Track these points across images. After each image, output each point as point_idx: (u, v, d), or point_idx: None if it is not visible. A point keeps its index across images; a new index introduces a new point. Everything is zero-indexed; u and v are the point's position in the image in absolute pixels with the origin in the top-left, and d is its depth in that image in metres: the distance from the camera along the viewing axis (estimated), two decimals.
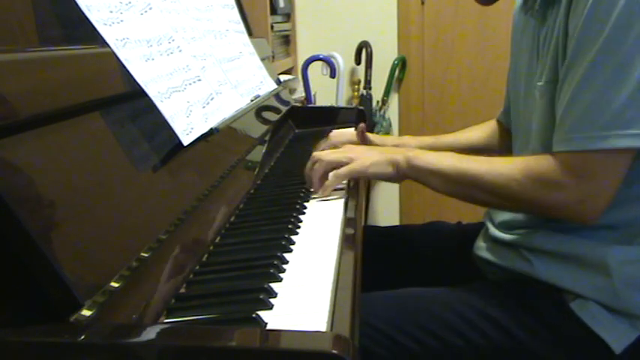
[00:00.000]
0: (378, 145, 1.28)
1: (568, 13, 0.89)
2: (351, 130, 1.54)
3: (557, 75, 0.92)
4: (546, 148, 0.93)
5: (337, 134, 1.33)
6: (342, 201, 1.04)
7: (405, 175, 1.03)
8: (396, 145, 1.31)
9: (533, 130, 1.01)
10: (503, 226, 1.05)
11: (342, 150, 1.10)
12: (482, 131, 1.34)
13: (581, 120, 0.86)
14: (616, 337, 0.91)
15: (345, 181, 1.11)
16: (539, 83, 0.97)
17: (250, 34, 1.55)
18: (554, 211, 0.92)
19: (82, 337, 0.51)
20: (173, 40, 0.96)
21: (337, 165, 1.06)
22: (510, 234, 1.03)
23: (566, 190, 0.88)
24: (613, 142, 0.84)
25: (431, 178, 1.01)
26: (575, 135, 0.86)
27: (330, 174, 1.06)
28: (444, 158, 1.01)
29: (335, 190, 1.08)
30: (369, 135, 1.34)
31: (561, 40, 0.91)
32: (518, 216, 1.03)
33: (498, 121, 1.32)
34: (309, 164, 1.10)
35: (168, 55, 0.92)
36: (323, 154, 1.09)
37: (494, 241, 1.07)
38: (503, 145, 1.28)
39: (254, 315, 0.62)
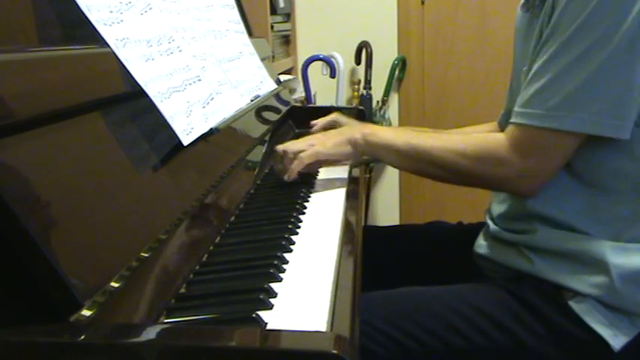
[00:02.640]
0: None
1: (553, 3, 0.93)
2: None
3: None
4: None
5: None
6: (342, 201, 1.04)
7: (362, 152, 1.08)
8: None
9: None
10: (502, 220, 1.06)
11: (303, 139, 1.15)
12: (479, 131, 1.35)
13: (535, 97, 0.91)
14: (615, 334, 0.91)
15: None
16: (525, 68, 1.00)
17: (250, 34, 1.55)
18: (497, 185, 1.02)
19: (82, 337, 0.51)
20: (173, 40, 0.96)
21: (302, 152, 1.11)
22: (510, 233, 1.03)
23: (508, 166, 0.94)
24: (560, 122, 0.89)
25: (385, 154, 1.07)
26: (526, 110, 0.92)
27: (296, 161, 1.11)
28: (399, 134, 1.07)
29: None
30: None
31: (545, 25, 0.94)
32: (513, 208, 1.04)
33: (498, 123, 1.32)
34: (278, 159, 1.14)
35: (168, 55, 0.92)
36: (286, 146, 1.13)
37: (495, 239, 1.07)
38: None
39: (254, 315, 0.62)
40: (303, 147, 1.11)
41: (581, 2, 0.87)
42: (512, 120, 0.95)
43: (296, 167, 1.10)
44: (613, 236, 0.93)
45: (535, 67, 0.92)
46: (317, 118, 1.80)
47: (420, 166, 1.04)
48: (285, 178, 1.11)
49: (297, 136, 1.64)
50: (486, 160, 0.97)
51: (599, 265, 0.92)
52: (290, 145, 1.14)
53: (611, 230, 0.93)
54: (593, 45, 0.87)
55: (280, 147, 1.15)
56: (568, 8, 0.89)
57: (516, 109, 0.94)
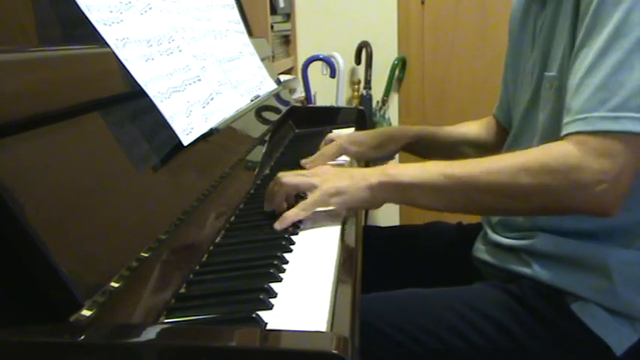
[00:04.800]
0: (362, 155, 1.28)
1: (577, 1, 0.89)
2: (350, 130, 1.54)
3: (569, 62, 0.91)
4: (553, 141, 0.90)
5: (335, 136, 1.33)
6: None
7: (383, 198, 0.91)
8: (392, 138, 1.30)
9: (540, 121, 0.99)
10: (501, 227, 1.05)
11: (307, 173, 0.96)
12: (479, 126, 1.34)
13: (592, 100, 0.83)
14: (617, 338, 0.91)
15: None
16: (551, 73, 0.95)
17: (250, 34, 1.55)
18: (572, 196, 0.84)
19: (82, 337, 0.51)
20: (173, 40, 0.96)
21: (298, 190, 0.95)
22: (509, 238, 1.03)
23: (585, 171, 0.82)
24: (625, 124, 0.81)
25: (419, 194, 0.90)
26: (586, 115, 0.83)
27: (293, 209, 0.91)
28: (430, 167, 0.90)
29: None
30: (360, 133, 1.34)
31: (569, 27, 0.91)
32: (513, 217, 1.02)
33: (494, 117, 1.32)
34: (270, 185, 0.97)
35: (168, 55, 0.92)
36: (284, 176, 0.95)
37: (493, 244, 1.06)
38: (497, 141, 1.28)
39: (254, 315, 0.62)
40: (303, 184, 0.93)
41: None
42: (572, 129, 0.84)
43: (292, 217, 0.91)
44: (614, 242, 0.92)
45: (584, 68, 0.85)
46: (317, 118, 1.79)
47: (467, 198, 0.89)
48: (277, 225, 0.89)
49: (297, 137, 1.64)
50: (558, 169, 0.83)
51: (601, 270, 0.91)
52: (286, 178, 0.94)
53: (612, 236, 0.92)
54: None
55: (278, 176, 0.95)
56: (605, 3, 0.83)
57: (573, 117, 0.85)
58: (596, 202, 0.84)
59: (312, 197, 0.91)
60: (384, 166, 0.94)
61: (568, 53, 0.91)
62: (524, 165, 0.85)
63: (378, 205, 0.93)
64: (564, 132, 0.86)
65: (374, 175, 0.91)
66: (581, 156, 0.82)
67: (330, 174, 0.94)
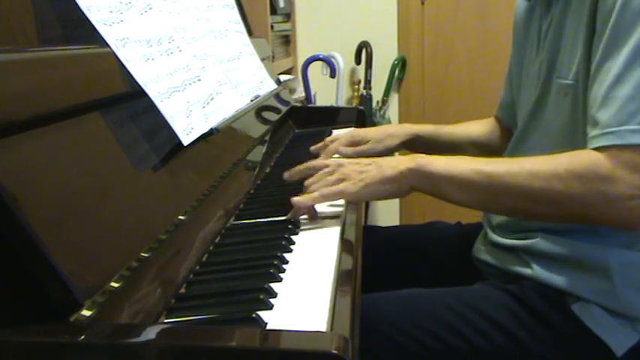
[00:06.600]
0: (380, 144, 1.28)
1: (595, 8, 0.88)
2: (349, 130, 1.54)
3: (587, 72, 0.90)
4: (567, 147, 0.90)
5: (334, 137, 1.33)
6: (342, 201, 1.04)
7: (411, 186, 0.91)
8: (391, 134, 1.30)
9: (555, 126, 0.98)
10: (501, 228, 1.05)
11: (337, 165, 0.98)
12: (482, 126, 1.34)
13: (621, 113, 0.82)
14: (617, 339, 0.91)
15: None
16: (565, 81, 0.95)
17: (250, 34, 1.55)
18: (602, 208, 0.83)
19: (82, 337, 0.51)
20: (173, 40, 0.96)
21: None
22: (509, 238, 1.02)
23: (617, 184, 0.81)
24: None
25: (448, 187, 0.89)
26: (617, 128, 0.82)
27: (316, 192, 0.93)
28: (461, 162, 0.90)
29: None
30: (364, 130, 1.34)
31: (585, 35, 0.90)
32: (514, 220, 1.02)
33: (497, 118, 1.32)
34: (302, 167, 1.01)
35: (168, 55, 0.92)
36: (315, 187, 0.95)
37: (493, 245, 1.06)
38: (501, 142, 1.28)
39: (254, 315, 0.62)
40: (333, 183, 0.94)
41: (637, 2, 0.82)
42: (602, 143, 0.83)
43: (309, 201, 0.93)
44: (615, 243, 0.92)
45: (608, 81, 0.84)
46: (317, 118, 1.78)
47: (495, 198, 0.89)
48: (289, 214, 0.93)
49: (297, 137, 1.64)
50: (589, 178, 0.82)
51: (601, 271, 0.91)
52: (320, 180, 0.96)
53: (613, 237, 0.92)
54: None
55: (311, 165, 0.99)
56: (623, 10, 0.83)
57: (601, 130, 0.83)
58: (627, 215, 0.83)
59: (339, 187, 0.93)
60: (414, 154, 0.94)
61: (584, 63, 0.90)
62: (559, 171, 0.84)
63: (405, 194, 0.93)
64: (593, 145, 0.84)
65: (403, 162, 0.92)
66: (612, 168, 0.81)
67: (359, 166, 0.95)
